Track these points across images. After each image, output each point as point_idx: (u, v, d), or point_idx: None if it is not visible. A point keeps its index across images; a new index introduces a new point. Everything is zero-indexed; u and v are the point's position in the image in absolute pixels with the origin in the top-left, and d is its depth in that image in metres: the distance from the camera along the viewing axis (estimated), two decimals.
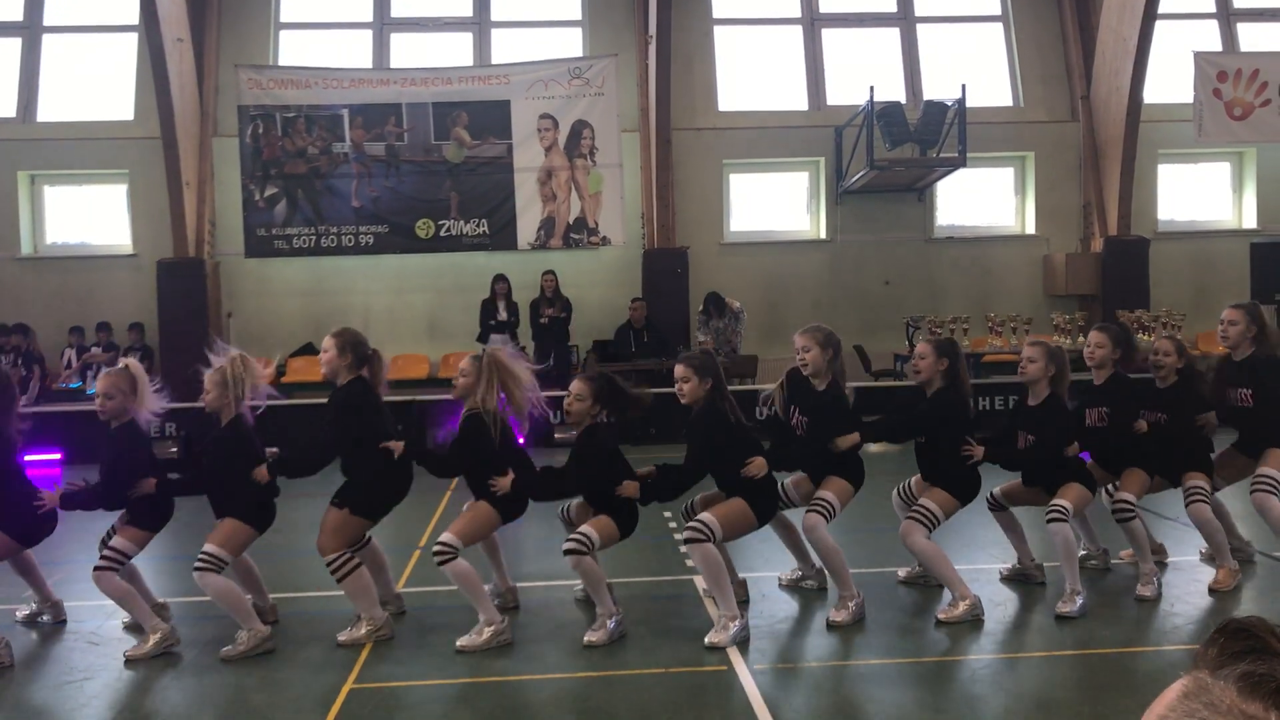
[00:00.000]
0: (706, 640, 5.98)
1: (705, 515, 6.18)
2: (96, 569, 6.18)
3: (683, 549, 6.96)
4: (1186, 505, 7.03)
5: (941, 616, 6.38)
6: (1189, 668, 0.96)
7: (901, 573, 7.35)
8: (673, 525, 8.91)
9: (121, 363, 6.61)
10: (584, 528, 6.17)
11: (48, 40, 17.25)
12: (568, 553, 6.09)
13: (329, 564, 6.27)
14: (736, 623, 6.06)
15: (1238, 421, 7.20)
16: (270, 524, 6.45)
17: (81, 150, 16.77)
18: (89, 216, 17.33)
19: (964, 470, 6.60)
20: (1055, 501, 6.59)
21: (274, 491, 6.46)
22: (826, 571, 6.69)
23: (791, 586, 7.24)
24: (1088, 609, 6.48)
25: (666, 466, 6.37)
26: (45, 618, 6.86)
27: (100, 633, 6.60)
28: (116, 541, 6.29)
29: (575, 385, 6.34)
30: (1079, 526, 7.47)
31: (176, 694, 5.62)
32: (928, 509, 6.50)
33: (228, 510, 6.29)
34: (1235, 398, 7.10)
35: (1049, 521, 6.57)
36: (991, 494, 7.11)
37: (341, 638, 6.20)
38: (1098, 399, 7.15)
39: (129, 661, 6.00)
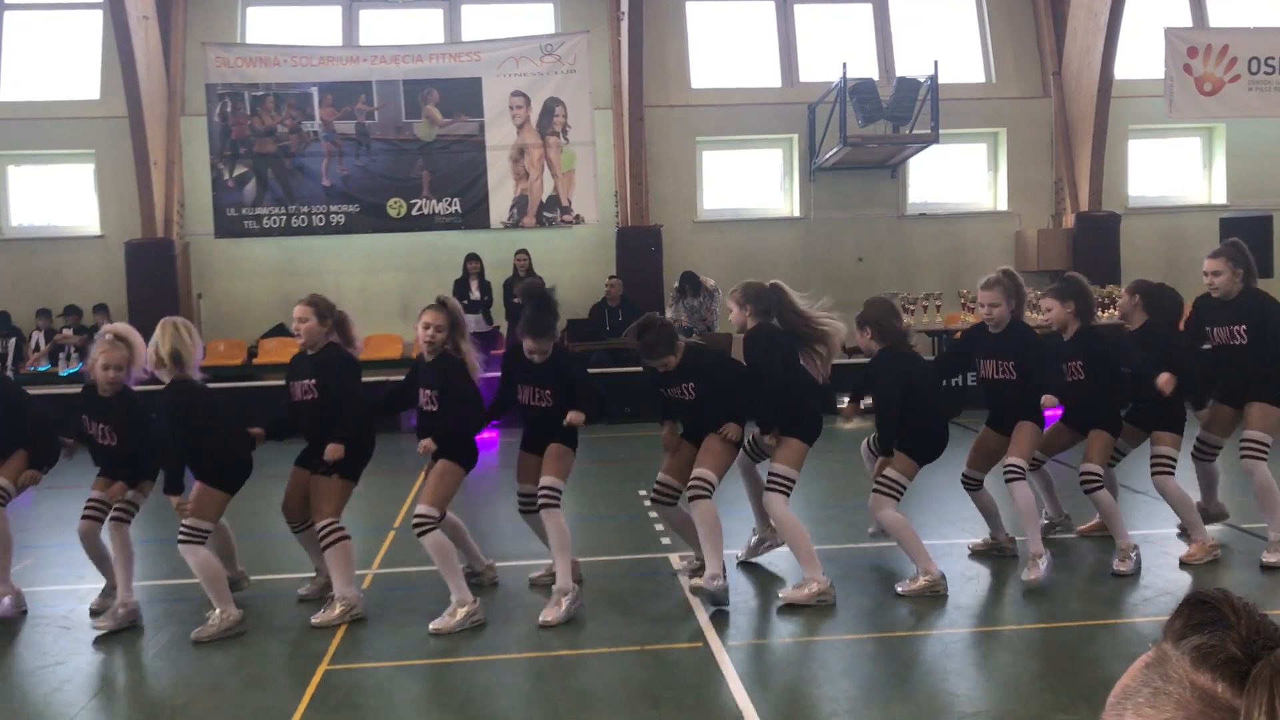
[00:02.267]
0: (692, 586, 6.34)
1: (701, 471, 6.28)
2: (182, 543, 6.10)
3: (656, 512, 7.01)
4: (1153, 475, 7.03)
5: (901, 590, 6.42)
6: (1155, 640, 0.97)
7: (871, 529, 7.35)
8: (647, 504, 8.92)
9: (106, 332, 6.52)
10: (699, 470, 6.29)
11: (10, 17, 16.98)
12: (692, 499, 6.31)
13: (323, 530, 6.21)
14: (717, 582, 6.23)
15: (1228, 363, 6.96)
16: (239, 487, 6.32)
17: (47, 130, 16.55)
18: (55, 197, 17.12)
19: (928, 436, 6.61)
20: (1011, 460, 6.66)
21: (241, 454, 6.32)
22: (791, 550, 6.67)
23: (749, 562, 7.25)
24: (1052, 572, 6.53)
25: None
26: (5, 601, 6.70)
27: (71, 617, 6.56)
28: (191, 520, 6.11)
29: (430, 315, 6.39)
30: (1044, 494, 7.52)
31: (150, 677, 5.59)
32: (891, 479, 6.51)
33: (197, 476, 6.23)
34: (1226, 335, 6.89)
35: (1009, 480, 6.65)
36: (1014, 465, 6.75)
37: (315, 620, 6.17)
38: (1072, 353, 7.02)
39: (198, 642, 5.94)
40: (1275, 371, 6.83)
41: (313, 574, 6.87)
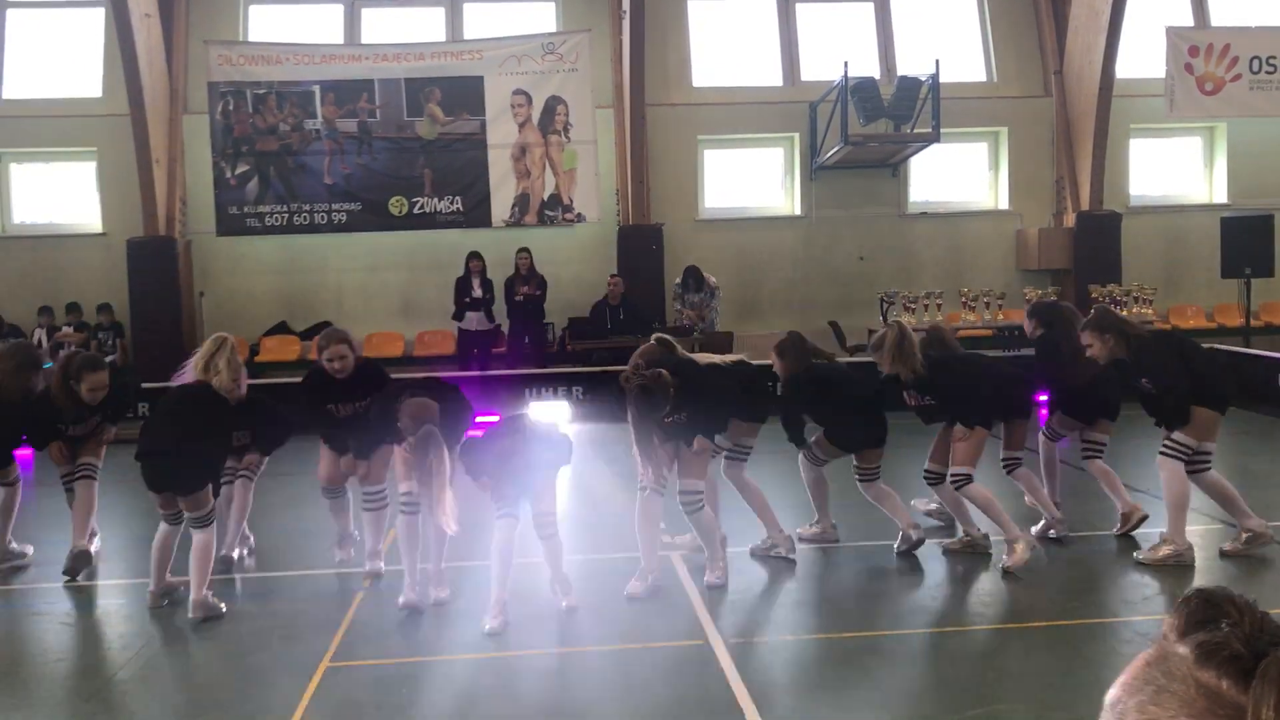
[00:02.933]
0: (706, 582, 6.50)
1: (689, 482, 6.66)
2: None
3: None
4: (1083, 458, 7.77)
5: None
6: (1155, 638, 0.98)
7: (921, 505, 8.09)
8: None
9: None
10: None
11: (12, 15, 16.97)
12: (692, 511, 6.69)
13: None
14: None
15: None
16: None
17: (49, 128, 16.55)
18: (57, 195, 17.12)
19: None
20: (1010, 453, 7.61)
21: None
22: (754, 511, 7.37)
23: (752, 558, 7.32)
24: (1034, 557, 6.86)
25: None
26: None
27: (73, 613, 6.57)
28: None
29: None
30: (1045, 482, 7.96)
31: (152, 674, 5.60)
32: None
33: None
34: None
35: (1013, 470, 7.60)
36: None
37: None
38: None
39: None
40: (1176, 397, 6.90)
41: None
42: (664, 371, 6.43)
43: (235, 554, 7.49)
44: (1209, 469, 6.96)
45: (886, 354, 7.15)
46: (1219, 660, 0.88)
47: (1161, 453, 6.88)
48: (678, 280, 15.86)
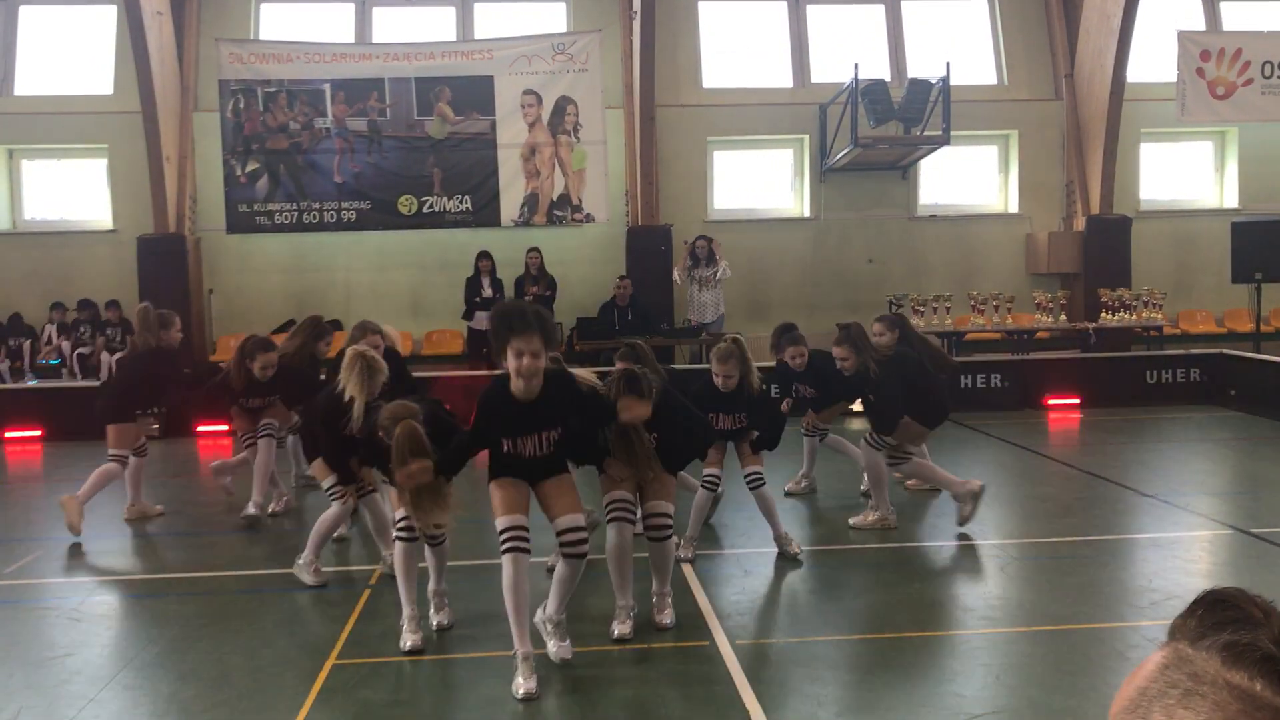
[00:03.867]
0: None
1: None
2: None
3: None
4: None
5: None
6: (1165, 641, 0.96)
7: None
8: None
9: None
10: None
11: (25, 12, 17.04)
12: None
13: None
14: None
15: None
16: None
17: (60, 124, 16.61)
18: (68, 192, 17.18)
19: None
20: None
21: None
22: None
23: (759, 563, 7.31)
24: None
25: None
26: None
27: (81, 610, 6.59)
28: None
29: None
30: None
31: (158, 670, 5.61)
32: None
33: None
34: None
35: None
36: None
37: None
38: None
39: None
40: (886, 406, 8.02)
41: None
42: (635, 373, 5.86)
43: (261, 510, 8.61)
44: (907, 460, 8.09)
45: (849, 348, 7.87)
46: (1250, 661, 0.86)
47: (866, 441, 8.07)
48: (687, 240, 15.82)
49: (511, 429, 5.21)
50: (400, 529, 5.89)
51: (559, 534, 5.34)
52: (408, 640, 5.73)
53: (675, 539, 6.16)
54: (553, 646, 5.42)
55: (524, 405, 5.15)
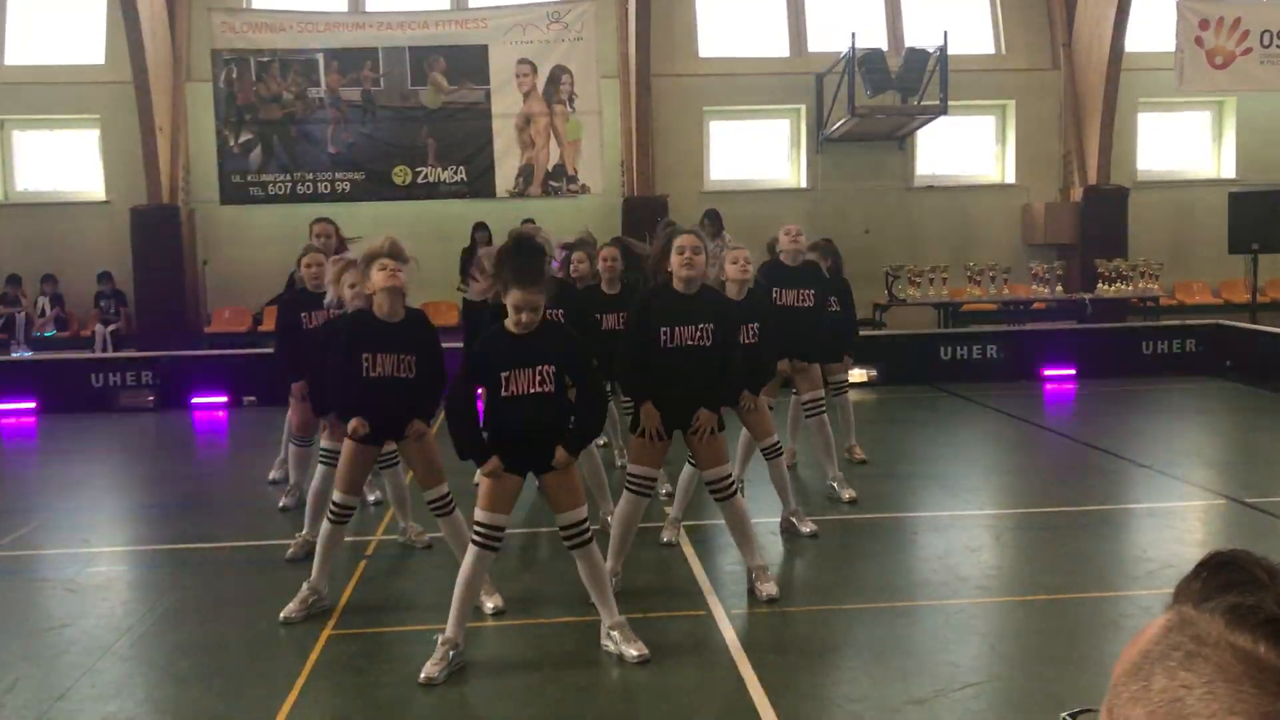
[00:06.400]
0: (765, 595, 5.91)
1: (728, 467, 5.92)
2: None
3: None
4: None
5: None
6: (1169, 604, 0.95)
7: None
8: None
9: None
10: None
11: None
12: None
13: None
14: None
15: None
16: None
17: (52, 95, 16.48)
18: (60, 162, 17.07)
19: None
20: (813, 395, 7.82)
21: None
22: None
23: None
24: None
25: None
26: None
27: (77, 581, 6.59)
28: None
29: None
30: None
31: (154, 641, 5.62)
32: None
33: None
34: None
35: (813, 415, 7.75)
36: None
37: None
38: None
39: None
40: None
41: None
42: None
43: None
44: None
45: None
46: (1254, 623, 0.85)
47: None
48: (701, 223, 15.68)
49: (507, 361, 5.04)
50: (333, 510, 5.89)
51: (561, 529, 5.22)
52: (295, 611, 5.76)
53: (740, 495, 6.01)
54: (630, 651, 5.14)
55: (518, 339, 5.06)
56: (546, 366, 5.05)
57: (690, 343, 5.66)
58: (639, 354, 5.74)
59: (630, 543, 6.04)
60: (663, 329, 5.66)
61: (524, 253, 4.98)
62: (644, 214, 16.69)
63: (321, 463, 6.68)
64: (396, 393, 5.78)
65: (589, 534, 5.20)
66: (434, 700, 4.84)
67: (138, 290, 16.15)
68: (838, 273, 9.07)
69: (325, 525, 5.95)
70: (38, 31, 16.83)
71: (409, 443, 5.91)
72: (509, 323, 5.05)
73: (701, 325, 5.68)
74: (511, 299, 4.95)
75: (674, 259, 5.66)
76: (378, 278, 5.75)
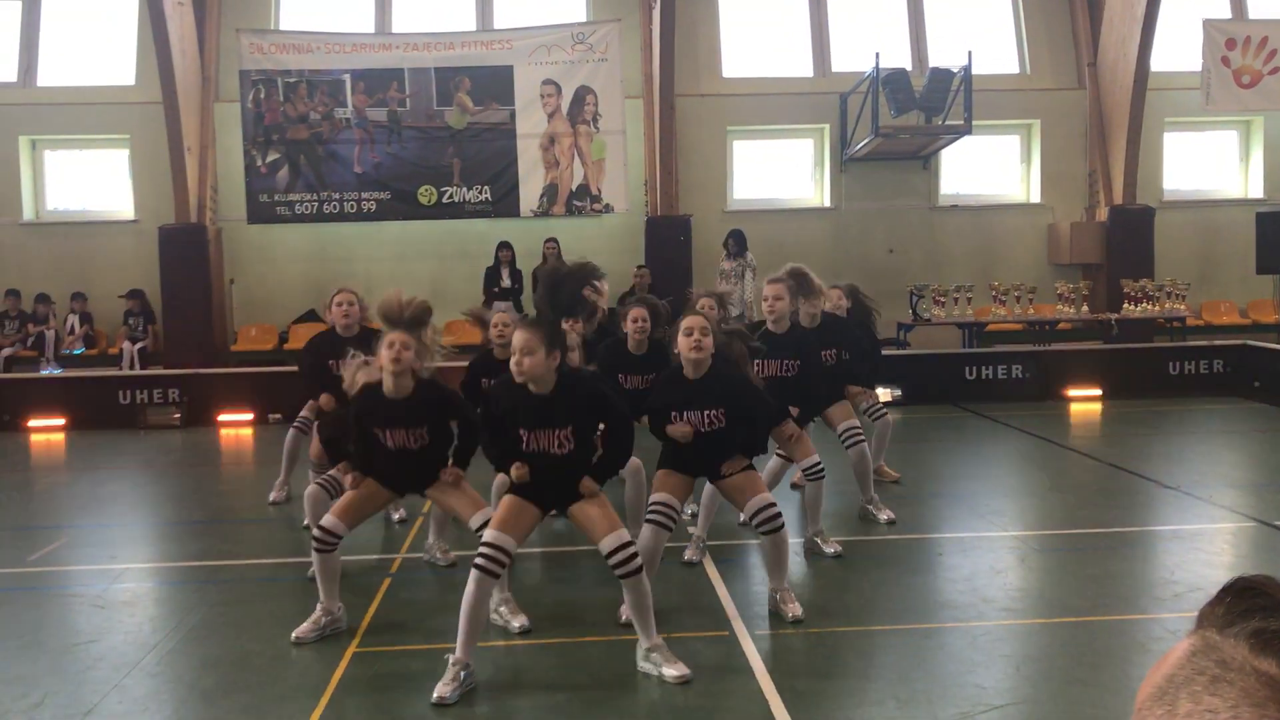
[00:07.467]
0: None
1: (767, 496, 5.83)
2: None
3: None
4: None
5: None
6: (1193, 628, 0.95)
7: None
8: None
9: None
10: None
11: (48, 3, 17.10)
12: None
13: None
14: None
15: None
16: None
17: (82, 115, 16.69)
18: (90, 182, 17.27)
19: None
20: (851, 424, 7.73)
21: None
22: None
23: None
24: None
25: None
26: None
27: (104, 597, 6.64)
28: None
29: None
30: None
31: (181, 657, 5.65)
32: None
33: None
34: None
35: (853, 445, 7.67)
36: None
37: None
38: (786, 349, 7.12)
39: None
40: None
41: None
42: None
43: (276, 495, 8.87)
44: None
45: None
46: (1279, 649, 0.85)
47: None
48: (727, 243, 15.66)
49: (526, 421, 5.03)
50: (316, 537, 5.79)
51: (607, 557, 5.10)
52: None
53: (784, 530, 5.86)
54: (671, 671, 5.08)
55: (534, 398, 5.03)
56: (564, 431, 5.04)
57: (704, 429, 5.57)
58: (656, 431, 5.76)
59: (656, 571, 5.99)
60: (673, 413, 5.63)
61: (547, 309, 5.09)
62: (668, 233, 16.75)
63: (317, 484, 6.70)
64: (416, 459, 5.75)
65: (638, 562, 5.07)
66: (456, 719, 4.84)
67: (165, 308, 16.29)
68: (863, 315, 8.88)
69: (313, 555, 5.82)
70: (70, 53, 17.06)
71: (443, 486, 5.84)
72: (512, 365, 4.96)
73: (710, 410, 5.55)
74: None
75: (680, 341, 5.52)
76: (383, 356, 5.63)
